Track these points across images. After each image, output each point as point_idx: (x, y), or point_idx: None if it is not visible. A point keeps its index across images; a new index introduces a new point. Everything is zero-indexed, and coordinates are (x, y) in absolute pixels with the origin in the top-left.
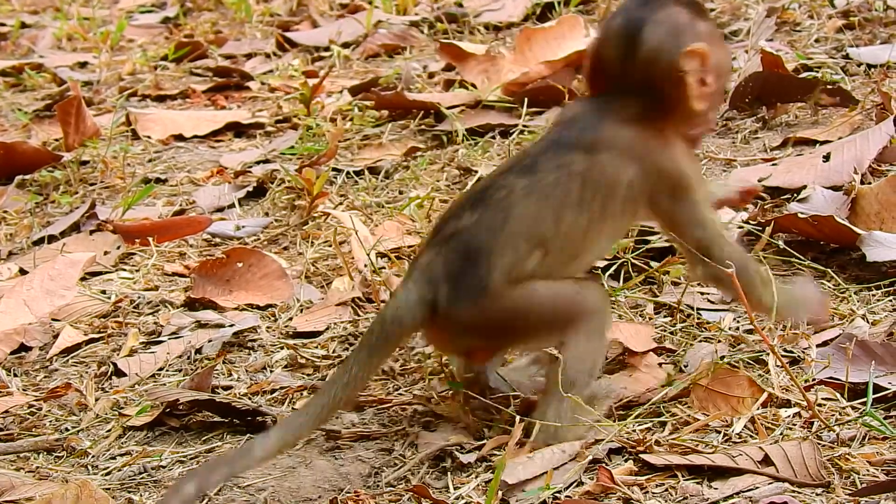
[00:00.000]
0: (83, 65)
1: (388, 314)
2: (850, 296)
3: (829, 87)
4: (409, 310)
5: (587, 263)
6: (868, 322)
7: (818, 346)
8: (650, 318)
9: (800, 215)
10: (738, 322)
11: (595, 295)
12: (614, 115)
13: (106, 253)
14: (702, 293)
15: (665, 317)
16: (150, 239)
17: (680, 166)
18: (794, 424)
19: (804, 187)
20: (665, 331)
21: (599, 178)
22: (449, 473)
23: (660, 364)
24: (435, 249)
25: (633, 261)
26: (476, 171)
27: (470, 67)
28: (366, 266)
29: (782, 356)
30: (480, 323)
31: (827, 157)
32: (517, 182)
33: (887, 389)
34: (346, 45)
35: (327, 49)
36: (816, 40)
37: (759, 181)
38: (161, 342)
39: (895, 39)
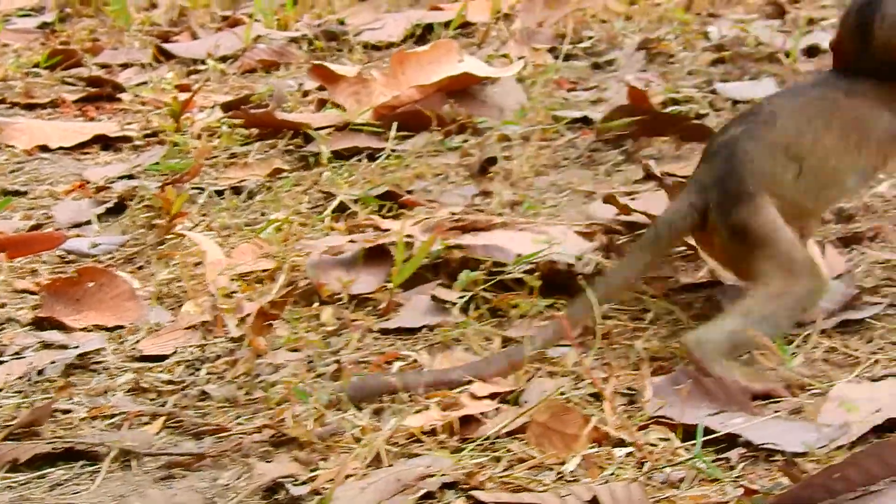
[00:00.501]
0: None
1: (661, 220)
2: None
3: (691, 123)
4: (682, 216)
5: (833, 198)
6: None
7: (655, 384)
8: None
9: None
10: (584, 356)
11: (822, 280)
12: (863, 79)
13: None
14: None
15: None
16: (2, 254)
17: None
18: (627, 464)
19: None
20: None
21: (858, 115)
22: None
23: (499, 399)
24: (706, 163)
25: (484, 293)
26: (336, 196)
27: (341, 89)
28: (217, 290)
29: (622, 393)
30: (741, 229)
31: None
32: (784, 103)
33: (719, 431)
34: (223, 59)
35: (205, 62)
36: (689, 73)
37: (617, 215)
38: (2, 362)
39: (763, 76)
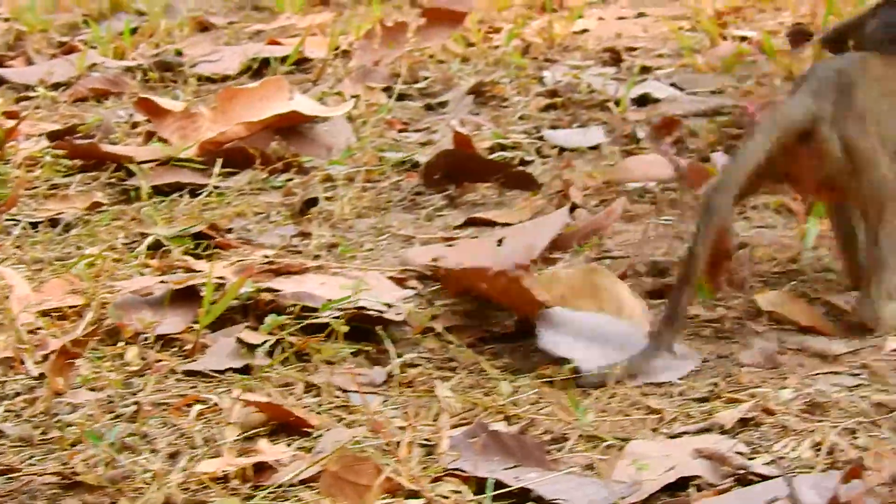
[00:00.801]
0: None
1: (780, 110)
2: (499, 387)
3: (515, 169)
4: (802, 111)
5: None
6: (508, 415)
7: (452, 435)
8: (300, 398)
9: (489, 272)
10: (384, 406)
11: None
12: None
13: None
14: (356, 374)
15: (313, 396)
16: None
17: None
18: None
19: None
20: (312, 411)
21: None
22: None
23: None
24: (817, 80)
25: (289, 337)
26: (151, 234)
27: (167, 123)
28: (20, 326)
29: (420, 444)
30: (851, 147)
31: (500, 242)
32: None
33: (511, 486)
34: (56, 87)
35: (36, 89)
36: (521, 118)
37: (433, 261)
38: None
39: (592, 124)
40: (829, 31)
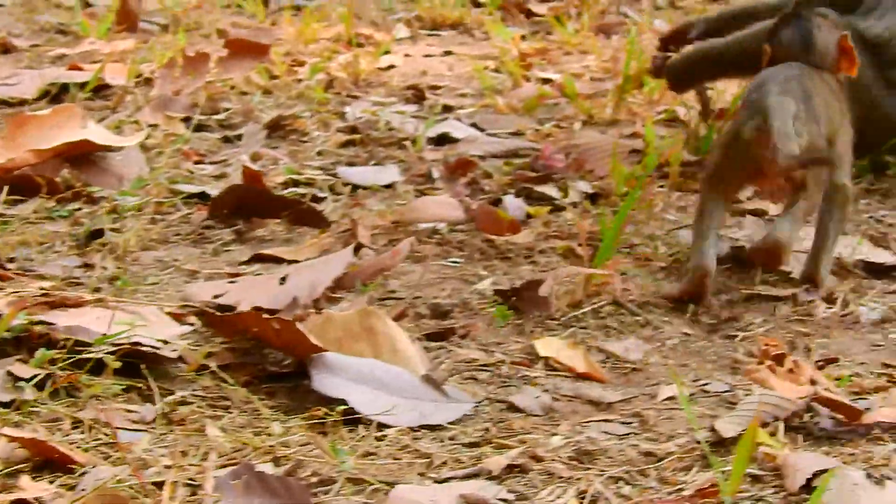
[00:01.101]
0: None
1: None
2: (271, 427)
3: (303, 206)
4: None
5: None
6: (277, 456)
7: (217, 475)
8: (67, 434)
9: (265, 315)
10: (153, 445)
11: None
12: None
13: None
14: (127, 410)
15: (81, 433)
16: None
17: None
18: None
19: None
20: (78, 447)
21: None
22: None
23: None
24: (778, 82)
25: (60, 372)
26: None
27: None
28: None
29: (186, 483)
30: (801, 153)
31: (283, 280)
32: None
33: None
34: None
35: None
36: (319, 153)
37: (215, 298)
38: None
39: (388, 162)
40: (677, 61)
